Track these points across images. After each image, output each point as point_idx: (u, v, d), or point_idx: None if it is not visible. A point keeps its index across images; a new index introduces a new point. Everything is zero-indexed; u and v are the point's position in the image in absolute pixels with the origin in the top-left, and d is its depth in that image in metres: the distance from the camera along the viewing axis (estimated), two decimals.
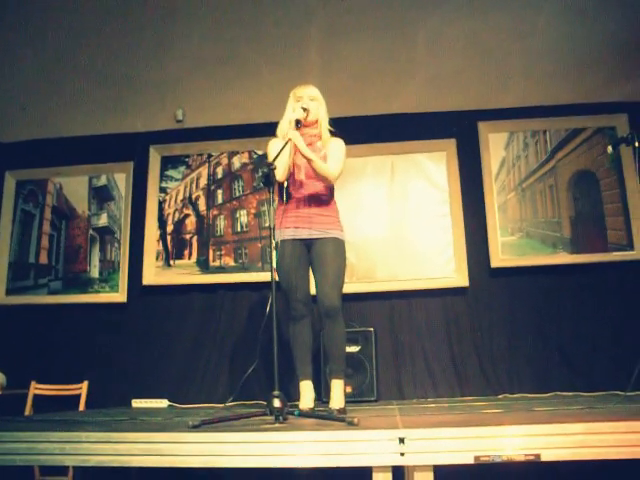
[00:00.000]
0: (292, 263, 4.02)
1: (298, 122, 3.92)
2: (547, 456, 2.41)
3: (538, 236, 6.04)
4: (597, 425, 2.47)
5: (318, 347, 5.51)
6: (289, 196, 4.12)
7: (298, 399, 4.03)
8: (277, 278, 4.06)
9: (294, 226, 4.05)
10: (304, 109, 3.97)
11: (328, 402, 4.04)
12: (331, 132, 4.20)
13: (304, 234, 4.04)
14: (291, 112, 4.09)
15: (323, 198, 4.10)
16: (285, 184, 4.06)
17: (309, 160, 3.94)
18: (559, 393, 5.40)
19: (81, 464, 2.79)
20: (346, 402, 4.01)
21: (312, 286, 4.16)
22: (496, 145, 6.23)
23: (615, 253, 5.89)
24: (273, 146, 4.09)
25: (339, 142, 4.17)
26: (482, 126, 6.26)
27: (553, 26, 5.99)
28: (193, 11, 6.41)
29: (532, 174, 6.16)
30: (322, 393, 5.28)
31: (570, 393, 5.35)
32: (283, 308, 4.11)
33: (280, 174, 3.97)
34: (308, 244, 4.07)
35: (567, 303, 5.88)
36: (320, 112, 4.15)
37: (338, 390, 3.99)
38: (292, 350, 4.09)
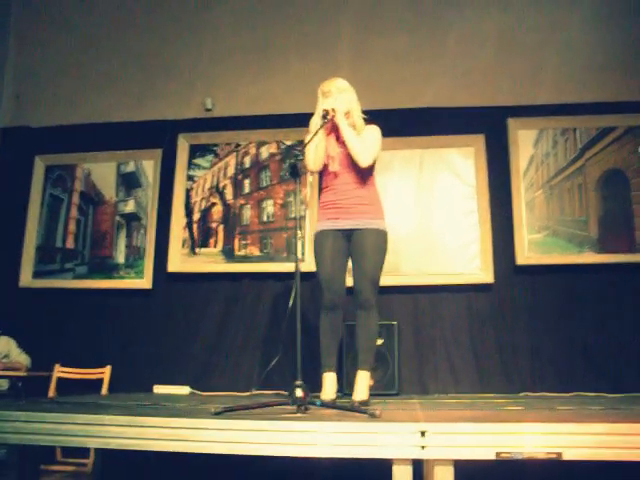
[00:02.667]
0: (330, 254, 4.02)
1: (325, 115, 3.92)
2: (569, 455, 2.40)
3: (565, 235, 5.99)
4: (620, 426, 2.45)
5: (341, 340, 5.52)
6: (327, 188, 4.13)
7: (319, 390, 4.04)
8: (308, 269, 4.08)
9: (334, 217, 4.05)
10: (325, 113, 3.94)
11: (351, 394, 4.04)
12: (366, 120, 4.19)
13: (344, 225, 4.04)
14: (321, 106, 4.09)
15: (361, 187, 4.08)
16: (316, 177, 4.07)
17: (347, 139, 3.95)
18: (581, 393, 5.37)
19: (103, 446, 2.82)
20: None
21: (348, 277, 4.17)
22: (525, 142, 6.18)
23: None
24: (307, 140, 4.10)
25: (373, 128, 4.16)
26: (512, 122, 6.20)
27: (587, 22, 5.95)
28: (226, 2, 6.43)
29: (561, 172, 6.10)
30: (344, 385, 5.29)
31: (593, 393, 5.31)
32: (307, 299, 4.12)
33: (312, 164, 3.99)
34: (348, 234, 4.06)
35: (592, 303, 5.82)
36: (351, 102, 4.14)
37: (363, 382, 3.99)
38: (320, 339, 4.08)
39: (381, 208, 4.14)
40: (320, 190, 4.17)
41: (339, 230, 4.04)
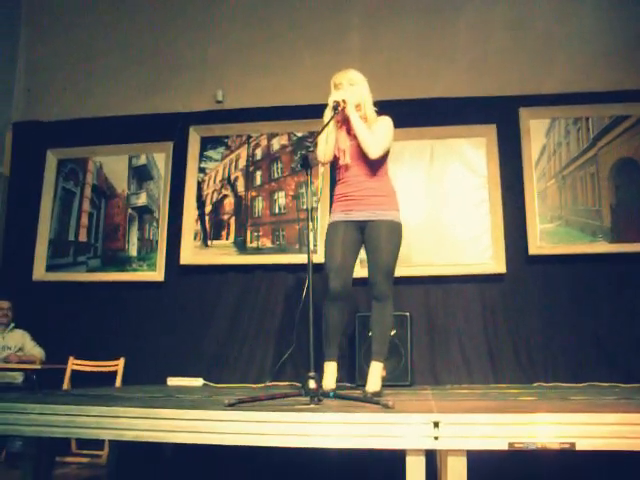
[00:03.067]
0: (341, 244, 4.02)
1: (336, 107, 3.91)
2: (582, 445, 2.40)
3: (577, 224, 5.97)
4: (634, 416, 2.44)
5: (353, 331, 5.53)
6: (340, 180, 4.14)
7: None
8: (321, 260, 4.08)
9: (347, 209, 4.05)
10: (335, 105, 3.93)
11: (364, 385, 4.05)
12: (377, 112, 4.19)
13: (358, 216, 4.03)
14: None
15: (373, 178, 4.07)
16: (325, 169, 4.07)
17: (357, 131, 3.96)
18: (594, 383, 5.36)
19: (117, 438, 2.84)
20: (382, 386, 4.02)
21: (356, 269, 4.17)
22: (537, 132, 6.15)
23: None
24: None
25: (385, 120, 4.14)
26: (523, 112, 6.17)
27: (598, 10, 5.92)
28: None
29: (573, 162, 6.08)
30: (356, 377, 5.30)
31: (606, 384, 5.30)
32: (320, 291, 4.11)
33: (322, 156, 3.99)
34: (362, 226, 4.06)
35: (605, 293, 5.81)
36: (362, 94, 4.13)
37: (375, 373, 3.99)
38: (323, 329, 4.08)
39: (395, 199, 4.14)
40: (334, 183, 4.17)
41: (352, 221, 4.04)
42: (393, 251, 4.04)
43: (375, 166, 4.07)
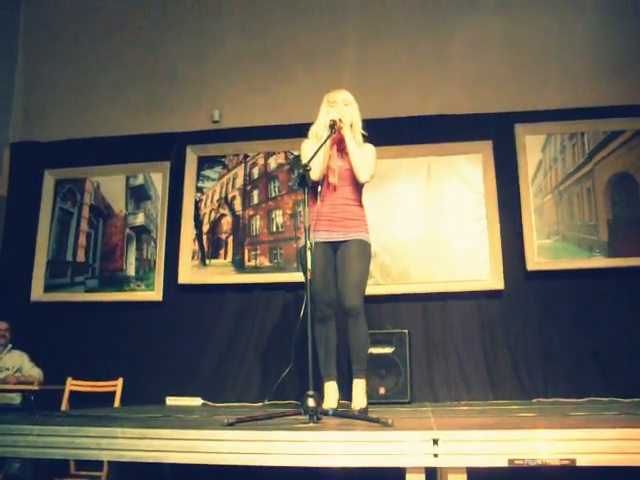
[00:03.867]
0: (318, 265, 4.02)
1: (333, 125, 3.93)
2: (583, 461, 2.39)
3: (574, 239, 5.98)
4: (634, 431, 2.44)
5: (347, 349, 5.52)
6: (323, 199, 4.14)
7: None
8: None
9: (323, 229, 4.06)
10: (332, 124, 3.95)
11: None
12: (363, 136, 4.21)
13: (334, 237, 4.06)
14: (325, 115, 4.11)
15: (354, 203, 4.12)
16: (319, 188, 4.07)
17: (351, 152, 3.97)
18: (594, 398, 5.35)
19: (117, 459, 2.82)
20: (378, 403, 4.02)
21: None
22: (533, 147, 6.18)
23: None
24: (307, 147, 4.12)
25: (370, 147, 4.20)
26: (519, 128, 6.20)
27: (592, 26, 5.95)
28: (230, 13, 6.48)
29: (569, 177, 6.10)
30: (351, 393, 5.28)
31: (605, 398, 5.29)
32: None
33: (315, 174, 4.00)
34: (335, 247, 4.08)
35: (603, 307, 5.81)
36: (353, 117, 4.15)
37: (359, 390, 4.00)
38: (317, 351, 4.08)
39: (366, 224, 4.20)
40: (314, 199, 4.14)
41: (327, 242, 4.06)
42: (364, 267, 4.07)
43: (357, 191, 4.15)
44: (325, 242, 4.07)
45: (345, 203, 4.09)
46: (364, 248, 4.09)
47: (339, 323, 4.17)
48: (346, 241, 4.06)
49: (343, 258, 4.06)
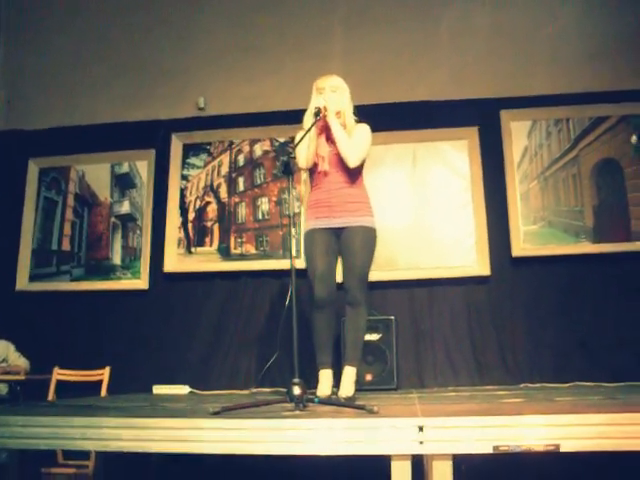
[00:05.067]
0: (318, 252, 4.03)
1: (318, 113, 3.92)
2: (567, 447, 2.40)
3: (560, 225, 6.00)
4: (618, 416, 2.45)
5: (338, 336, 5.52)
6: (316, 186, 4.13)
7: (317, 387, 4.04)
8: (305, 265, 4.09)
9: (323, 215, 4.06)
10: (317, 111, 3.94)
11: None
12: (356, 120, 4.19)
13: (334, 223, 4.05)
14: (313, 103, 4.10)
15: (350, 185, 4.08)
16: (312, 176, 4.06)
17: (337, 139, 3.96)
18: (580, 383, 5.38)
19: (102, 449, 2.82)
20: (365, 390, 4.02)
21: (339, 274, 4.16)
22: (519, 133, 6.18)
23: (638, 242, 5.83)
24: (298, 136, 4.09)
25: (363, 127, 4.17)
26: (504, 114, 6.20)
27: (577, 12, 5.96)
28: (216, 2, 6.43)
29: (555, 163, 6.11)
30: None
31: (591, 383, 5.32)
32: (304, 296, 4.11)
33: (302, 162, 3.99)
34: (338, 232, 4.07)
35: (589, 293, 5.84)
36: (343, 102, 4.13)
37: (349, 378, 4.01)
38: (314, 337, 4.09)
39: (370, 206, 4.15)
40: (310, 188, 4.16)
41: (329, 228, 4.04)
42: (367, 257, 4.06)
43: (352, 174, 4.09)
44: (323, 228, 4.06)
45: (341, 187, 4.07)
46: (369, 235, 4.08)
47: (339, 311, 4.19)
48: (348, 227, 4.04)
49: (347, 246, 4.04)
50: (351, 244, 4.01)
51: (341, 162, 4.04)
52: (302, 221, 5.91)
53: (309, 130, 3.86)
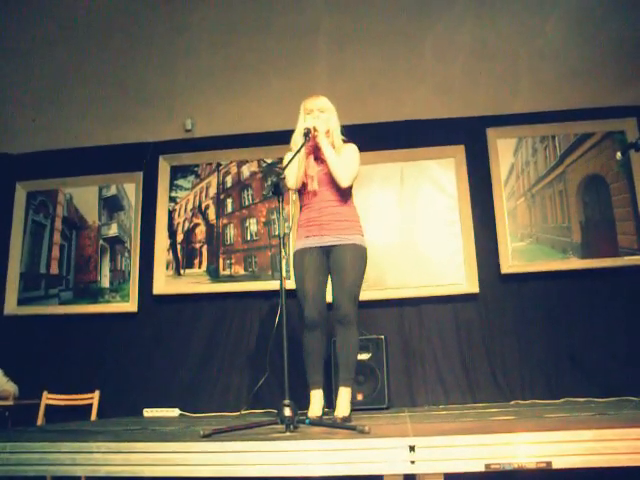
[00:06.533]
0: (309, 271, 4.01)
1: (307, 134, 3.93)
2: (559, 463, 2.40)
3: (548, 241, 6.03)
4: (609, 432, 2.45)
5: (329, 356, 5.51)
6: (305, 206, 4.13)
7: (308, 407, 4.03)
8: (294, 286, 4.08)
9: (312, 234, 4.05)
10: (307, 132, 3.95)
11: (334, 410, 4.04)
12: (344, 140, 4.20)
13: (323, 241, 4.04)
14: (302, 124, 4.10)
15: (340, 204, 4.08)
16: (300, 197, 4.07)
17: (329, 160, 3.97)
18: (571, 399, 5.39)
19: (92, 474, 2.78)
20: (357, 409, 4.01)
21: (328, 294, 4.15)
22: (505, 151, 6.23)
23: (626, 257, 5.87)
24: (287, 158, 4.09)
25: (351, 147, 4.18)
26: (490, 132, 6.25)
27: (560, 30, 5.99)
28: (201, 22, 6.44)
29: (541, 179, 6.14)
30: (333, 400, 5.27)
31: (582, 399, 5.33)
32: (294, 317, 4.11)
33: (292, 182, 4.00)
34: (327, 251, 4.06)
35: (578, 308, 5.86)
36: (331, 122, 4.15)
37: (344, 398, 3.99)
38: (304, 358, 4.08)
39: (360, 225, 4.15)
40: (300, 208, 4.16)
41: (319, 247, 4.04)
42: (358, 274, 4.05)
43: (342, 192, 4.09)
44: (313, 247, 4.05)
45: (331, 205, 4.06)
46: (359, 253, 4.06)
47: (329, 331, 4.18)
48: (338, 245, 4.03)
49: (337, 264, 4.03)
50: (342, 261, 4.00)
51: (330, 181, 4.05)
52: (292, 241, 5.94)
53: (299, 151, 3.87)
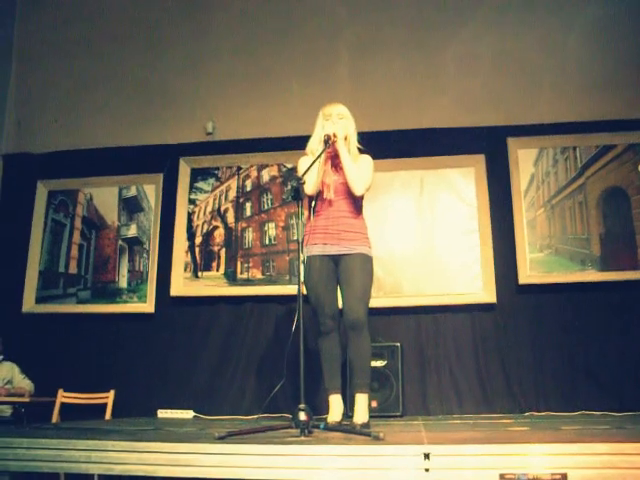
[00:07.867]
0: (320, 278, 4.01)
1: (327, 140, 3.92)
2: (574, 476, 2.38)
3: (567, 253, 5.99)
4: (625, 446, 2.43)
5: (344, 361, 5.50)
6: (318, 213, 4.12)
7: (324, 413, 4.03)
8: (305, 293, 4.07)
9: (322, 242, 4.04)
10: (327, 139, 3.95)
11: (352, 416, 4.03)
12: (360, 150, 4.20)
13: (332, 250, 4.03)
14: (321, 130, 4.10)
15: (351, 215, 4.08)
16: (313, 203, 4.06)
17: (345, 166, 3.97)
18: (586, 412, 5.35)
19: (106, 472, 2.79)
20: (371, 417, 3.99)
21: (340, 300, 4.14)
22: (525, 161, 6.20)
23: None
24: (303, 163, 4.09)
25: (367, 159, 4.17)
26: (511, 142, 6.22)
27: (583, 42, 5.99)
28: (225, 26, 6.50)
29: (561, 191, 6.12)
30: (348, 407, 5.27)
31: (598, 412, 5.30)
32: (310, 322, 4.10)
33: (309, 188, 3.99)
34: (336, 260, 4.05)
35: (595, 321, 5.81)
36: (349, 130, 4.14)
37: (362, 404, 3.97)
38: (321, 364, 4.08)
39: (367, 237, 4.14)
40: (310, 213, 4.15)
41: (328, 255, 4.04)
42: (367, 280, 4.04)
43: (355, 203, 4.09)
44: (323, 255, 4.05)
45: (341, 216, 4.06)
46: (367, 262, 4.05)
47: (342, 336, 4.17)
48: (347, 255, 4.04)
49: (345, 272, 4.02)
50: (351, 268, 3.99)
51: (346, 191, 4.04)
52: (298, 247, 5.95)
53: (319, 156, 3.86)
